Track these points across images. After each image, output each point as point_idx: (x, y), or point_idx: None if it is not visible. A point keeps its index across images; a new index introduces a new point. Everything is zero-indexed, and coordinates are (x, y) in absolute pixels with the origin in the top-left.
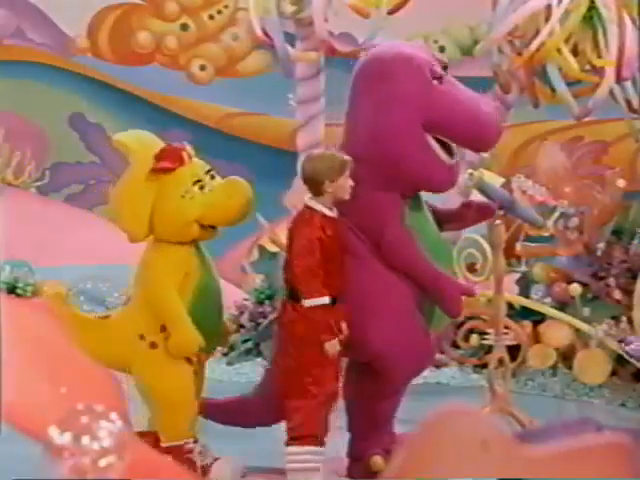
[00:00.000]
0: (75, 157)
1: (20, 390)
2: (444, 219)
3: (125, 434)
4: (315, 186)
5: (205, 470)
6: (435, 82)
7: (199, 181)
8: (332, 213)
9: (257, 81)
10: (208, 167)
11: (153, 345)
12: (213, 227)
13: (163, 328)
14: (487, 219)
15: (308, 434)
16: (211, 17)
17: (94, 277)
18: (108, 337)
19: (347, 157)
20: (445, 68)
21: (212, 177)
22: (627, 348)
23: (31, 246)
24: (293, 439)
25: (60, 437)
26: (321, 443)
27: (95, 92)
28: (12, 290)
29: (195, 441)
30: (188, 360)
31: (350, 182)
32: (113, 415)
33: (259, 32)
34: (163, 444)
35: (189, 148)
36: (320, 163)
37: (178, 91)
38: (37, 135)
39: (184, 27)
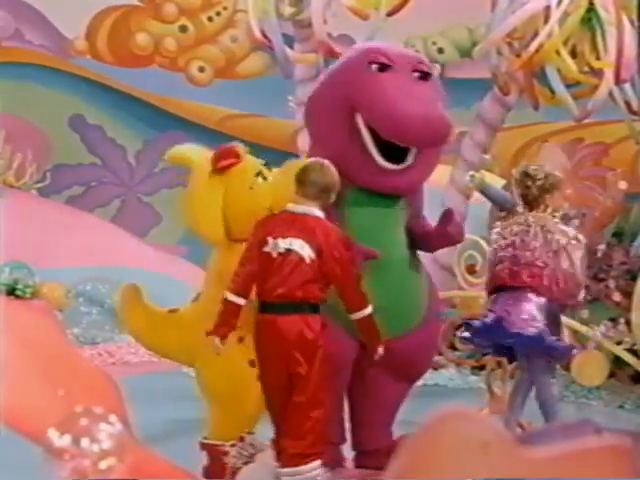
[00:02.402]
0: (76, 159)
1: (19, 392)
2: (417, 238)
3: (125, 436)
4: (329, 195)
5: (234, 472)
6: (374, 68)
7: (260, 173)
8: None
9: (256, 83)
10: (263, 161)
11: (209, 333)
12: None
13: None
14: (452, 245)
15: (321, 450)
16: (210, 19)
17: (94, 279)
18: (176, 331)
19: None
20: (427, 75)
21: (269, 169)
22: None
23: (31, 247)
24: (307, 456)
25: (60, 439)
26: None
27: (95, 94)
28: (12, 291)
29: (241, 439)
30: (251, 363)
31: None
32: (112, 417)
33: (258, 34)
34: (203, 440)
35: (242, 145)
36: (332, 176)
37: (177, 93)
38: (38, 137)
39: (183, 29)
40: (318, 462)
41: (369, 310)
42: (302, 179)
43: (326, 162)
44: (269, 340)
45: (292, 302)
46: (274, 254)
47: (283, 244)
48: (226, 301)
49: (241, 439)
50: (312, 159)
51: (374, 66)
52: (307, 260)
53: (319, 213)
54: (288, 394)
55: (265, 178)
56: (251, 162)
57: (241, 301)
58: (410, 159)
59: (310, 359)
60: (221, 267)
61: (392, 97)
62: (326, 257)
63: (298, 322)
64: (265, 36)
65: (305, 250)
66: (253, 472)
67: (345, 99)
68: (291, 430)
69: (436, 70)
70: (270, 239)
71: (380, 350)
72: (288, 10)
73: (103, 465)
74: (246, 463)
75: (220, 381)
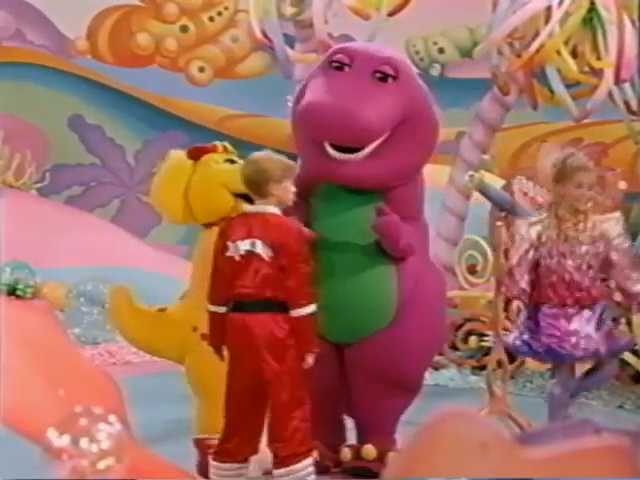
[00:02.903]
0: (75, 159)
1: (20, 392)
2: None
3: (124, 436)
4: (259, 187)
5: None
6: (333, 65)
7: (230, 160)
8: None
9: (256, 83)
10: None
11: (204, 337)
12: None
13: None
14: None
15: (311, 446)
16: (211, 19)
17: (94, 279)
18: (165, 329)
19: (292, 162)
20: (387, 77)
21: (235, 158)
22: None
23: (32, 248)
24: (299, 455)
25: (59, 439)
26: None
27: (95, 94)
28: (12, 291)
29: None
30: None
31: (293, 188)
32: (112, 417)
33: (259, 34)
34: (195, 436)
35: (228, 145)
36: (269, 163)
37: (177, 93)
38: (37, 137)
39: (184, 29)
40: (310, 460)
41: (308, 310)
42: (241, 179)
43: (256, 155)
44: (239, 339)
45: (260, 301)
46: (237, 257)
47: (243, 246)
48: (210, 313)
49: None
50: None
51: (333, 64)
52: (266, 259)
53: (273, 210)
54: (253, 395)
55: (233, 162)
56: (227, 154)
57: (222, 309)
58: (367, 150)
59: (280, 358)
60: (202, 256)
61: (312, 91)
62: (280, 252)
63: (267, 321)
64: (266, 36)
65: (263, 249)
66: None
67: (301, 95)
68: (278, 432)
69: (435, 70)
70: (230, 244)
71: (309, 359)
72: (289, 10)
73: (101, 465)
74: None
75: (209, 375)
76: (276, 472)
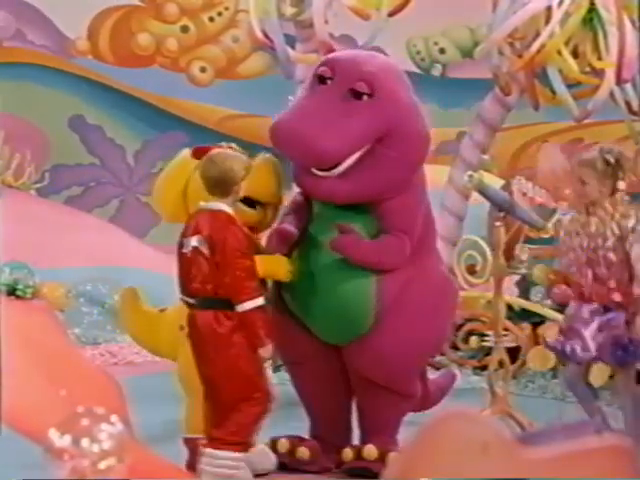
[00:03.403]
0: (75, 159)
1: (20, 392)
2: None
3: (125, 436)
4: (225, 186)
5: None
6: (316, 79)
7: None
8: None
9: (257, 83)
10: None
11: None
12: (258, 207)
13: None
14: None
15: (244, 441)
16: (211, 19)
17: (94, 279)
18: (161, 329)
19: (249, 159)
20: (360, 94)
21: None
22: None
23: (31, 248)
24: (226, 443)
25: (60, 439)
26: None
27: (95, 94)
28: (12, 292)
29: None
30: None
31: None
32: (113, 418)
33: (259, 34)
34: (184, 435)
35: (234, 145)
36: (235, 163)
37: (178, 93)
38: (37, 137)
39: (184, 29)
40: (236, 455)
41: (250, 305)
42: (202, 178)
43: (218, 154)
44: (190, 335)
45: (205, 297)
46: (188, 253)
47: (191, 242)
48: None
49: None
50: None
51: (318, 77)
52: (206, 255)
53: (222, 207)
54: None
55: None
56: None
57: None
58: (340, 168)
59: (221, 354)
60: None
61: (288, 108)
62: (214, 247)
63: (209, 317)
64: (267, 36)
65: (203, 245)
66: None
67: None
68: (216, 417)
69: (437, 70)
70: (184, 240)
71: (263, 350)
72: (289, 10)
73: (102, 465)
74: None
75: (196, 375)
76: (202, 451)
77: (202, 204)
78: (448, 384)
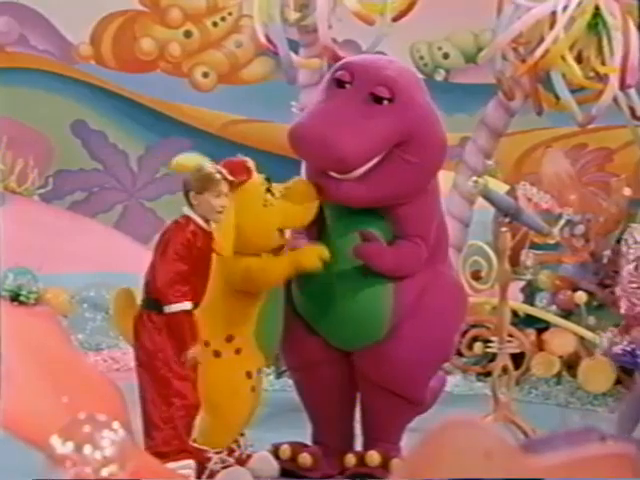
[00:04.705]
0: (78, 164)
1: (22, 399)
2: None
3: (127, 443)
4: (185, 194)
5: (211, 475)
6: (334, 83)
7: (269, 189)
8: (207, 226)
9: (260, 88)
10: (263, 175)
11: (216, 354)
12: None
13: (229, 338)
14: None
15: (181, 449)
16: (215, 24)
17: (97, 285)
18: None
19: (217, 175)
20: (381, 99)
21: (270, 184)
22: (614, 351)
23: (34, 253)
24: (162, 455)
25: (62, 446)
26: (192, 456)
27: (98, 99)
28: (15, 297)
29: (230, 451)
30: (248, 374)
31: (220, 203)
32: (115, 424)
33: (263, 39)
34: (194, 443)
35: (249, 160)
36: (192, 173)
37: (181, 98)
38: (40, 142)
39: (187, 34)
40: (176, 464)
41: (176, 308)
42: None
43: (200, 164)
44: None
45: (147, 297)
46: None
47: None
48: None
49: (230, 451)
50: None
51: (336, 81)
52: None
53: (189, 212)
54: None
55: (273, 194)
56: (259, 177)
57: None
58: (359, 172)
59: (141, 356)
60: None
61: (306, 112)
62: (157, 247)
63: (137, 317)
64: (270, 41)
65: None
66: (230, 475)
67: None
68: (144, 425)
69: (440, 76)
70: None
71: (188, 354)
72: (293, 15)
73: (105, 472)
74: (225, 467)
75: (216, 390)
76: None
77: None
78: (439, 388)
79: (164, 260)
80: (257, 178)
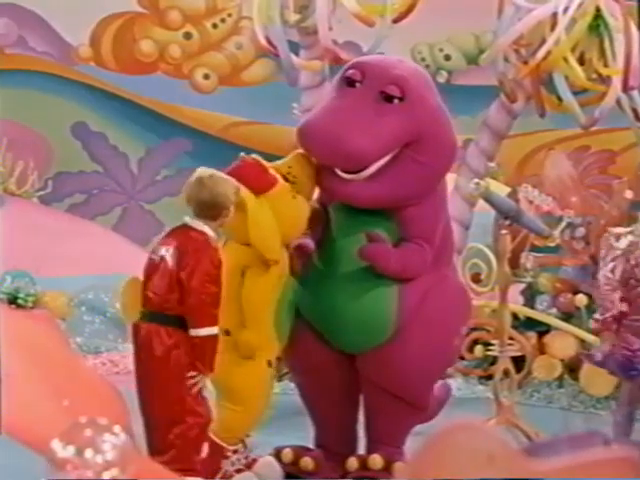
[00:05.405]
0: (78, 166)
1: (23, 403)
2: None
3: (128, 447)
4: (217, 210)
5: (227, 476)
6: (345, 82)
7: (285, 177)
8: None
9: (261, 90)
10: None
11: (269, 363)
12: None
13: None
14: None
15: (189, 468)
16: (215, 26)
17: (95, 287)
18: None
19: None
20: (391, 98)
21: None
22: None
23: (33, 256)
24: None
25: (63, 450)
26: (200, 474)
27: (98, 101)
28: (13, 300)
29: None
30: (269, 363)
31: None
32: (116, 428)
33: (263, 41)
34: (213, 437)
35: (256, 157)
36: (228, 188)
37: (181, 100)
38: (40, 144)
39: (187, 36)
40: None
41: (207, 332)
42: (185, 196)
43: (211, 175)
44: (133, 344)
45: (153, 311)
46: (155, 260)
47: (160, 250)
48: None
49: (243, 444)
50: (199, 171)
51: (346, 80)
52: (171, 268)
53: (205, 228)
54: None
55: (291, 182)
56: (273, 171)
57: None
58: (369, 171)
59: (154, 371)
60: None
61: (316, 110)
62: (184, 265)
63: (151, 331)
64: (270, 43)
65: (171, 258)
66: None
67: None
68: (154, 444)
69: (442, 77)
70: (158, 246)
71: (197, 377)
72: (293, 17)
73: (106, 476)
74: (239, 471)
75: (240, 378)
76: None
77: (187, 219)
78: (445, 396)
79: (202, 283)
80: (274, 174)
